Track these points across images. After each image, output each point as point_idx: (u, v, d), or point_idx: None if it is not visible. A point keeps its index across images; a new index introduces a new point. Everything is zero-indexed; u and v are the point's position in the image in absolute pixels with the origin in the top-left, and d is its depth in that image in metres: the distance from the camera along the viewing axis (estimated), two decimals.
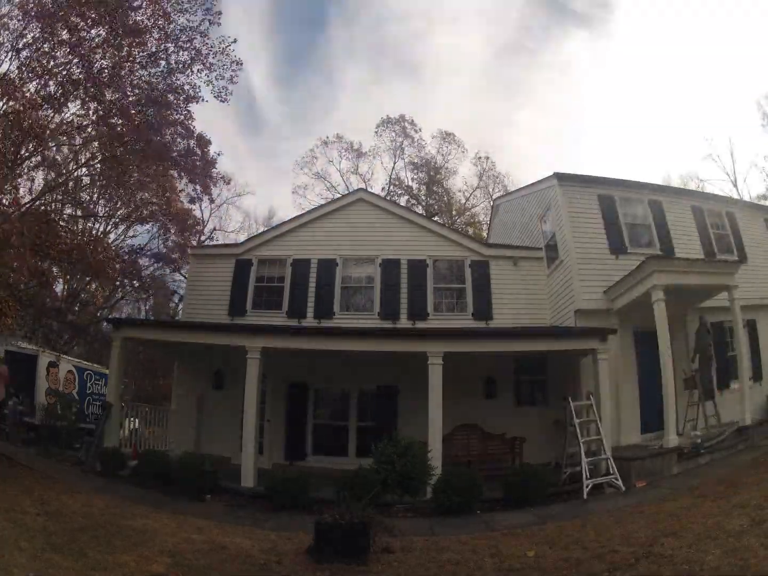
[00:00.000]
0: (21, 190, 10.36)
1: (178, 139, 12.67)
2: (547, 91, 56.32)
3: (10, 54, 10.24)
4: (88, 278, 18.60)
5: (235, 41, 11.63)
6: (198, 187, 16.37)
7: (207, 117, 47.10)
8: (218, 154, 15.31)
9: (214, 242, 25.01)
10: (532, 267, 12.35)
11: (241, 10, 50.65)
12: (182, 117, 11.91)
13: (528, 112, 55.18)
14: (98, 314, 21.85)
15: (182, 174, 14.97)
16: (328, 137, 31.70)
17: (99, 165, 12.38)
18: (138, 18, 10.52)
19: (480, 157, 31.77)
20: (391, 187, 30.00)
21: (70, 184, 12.71)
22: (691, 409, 9.63)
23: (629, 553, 4.34)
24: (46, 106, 9.68)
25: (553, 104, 56.73)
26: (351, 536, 4.82)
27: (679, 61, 53.74)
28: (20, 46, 10.00)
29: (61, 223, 11.99)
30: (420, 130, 31.15)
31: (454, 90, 52.31)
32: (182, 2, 11.00)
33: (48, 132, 9.73)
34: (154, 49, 11.00)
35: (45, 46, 9.46)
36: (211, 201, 19.96)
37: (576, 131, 56.41)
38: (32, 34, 9.84)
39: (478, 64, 55.60)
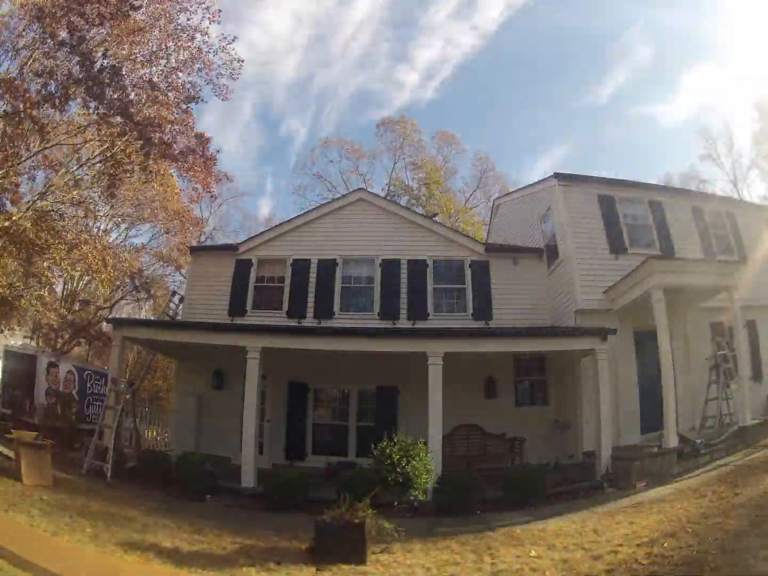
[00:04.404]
0: (21, 189, 10.37)
1: (179, 137, 12.67)
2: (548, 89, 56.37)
3: (10, 53, 10.27)
4: (88, 278, 18.61)
5: (234, 39, 11.65)
6: (198, 185, 16.36)
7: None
8: (218, 152, 15.25)
9: (214, 242, 25.01)
10: (532, 267, 12.36)
11: None
12: (183, 115, 11.94)
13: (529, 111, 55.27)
14: (98, 314, 21.84)
15: (183, 173, 14.97)
16: (328, 137, 31.77)
17: (100, 164, 12.39)
18: (139, 17, 10.53)
19: (480, 157, 31.93)
20: (391, 188, 30.04)
21: (71, 183, 12.71)
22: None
23: (629, 553, 4.34)
24: (46, 105, 9.68)
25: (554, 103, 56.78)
26: (351, 536, 4.81)
27: (679, 59, 53.74)
28: (20, 46, 10.02)
29: (62, 222, 11.99)
30: (420, 131, 31.26)
31: None
32: (182, 1, 11.03)
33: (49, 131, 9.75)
34: (154, 48, 11.02)
35: (45, 46, 9.47)
36: (214, 198, 19.92)
37: (576, 130, 56.39)
38: (32, 34, 9.86)
39: None
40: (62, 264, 11.50)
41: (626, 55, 54.12)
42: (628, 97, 55.32)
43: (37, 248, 10.79)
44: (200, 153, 13.54)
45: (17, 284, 11.91)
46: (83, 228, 14.44)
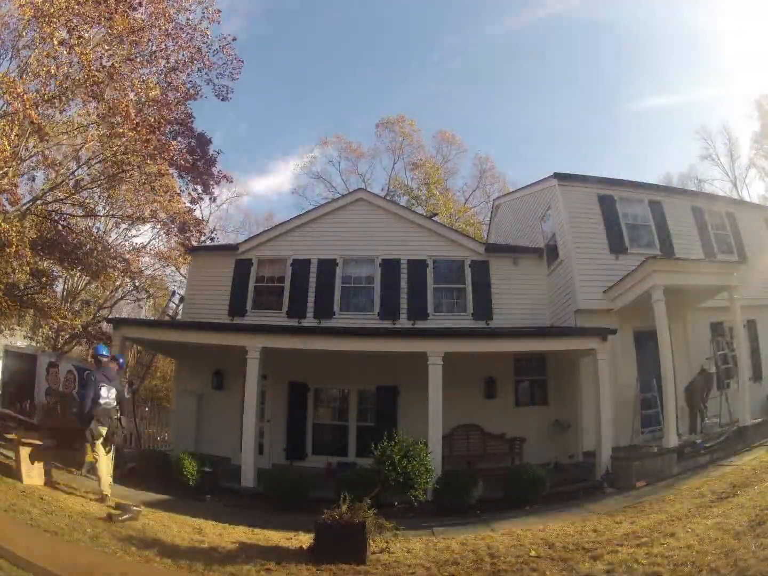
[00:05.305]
0: (21, 190, 10.36)
1: (179, 138, 12.67)
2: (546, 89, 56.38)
3: (10, 53, 10.26)
4: (88, 278, 18.58)
5: (234, 39, 11.67)
6: (199, 186, 16.33)
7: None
8: (219, 153, 15.21)
9: (215, 242, 24.94)
10: (532, 267, 12.37)
11: None
12: (183, 116, 11.95)
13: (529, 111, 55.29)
14: (98, 314, 21.82)
15: (183, 174, 14.95)
16: (327, 138, 31.79)
17: (99, 165, 12.38)
18: (138, 16, 10.52)
19: (480, 157, 31.96)
20: (391, 188, 30.06)
21: (71, 183, 12.71)
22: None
23: (629, 553, 4.33)
24: (46, 105, 9.67)
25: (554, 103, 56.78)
26: (351, 536, 4.81)
27: (678, 59, 53.73)
28: (20, 46, 10.01)
29: (62, 222, 12.00)
30: (419, 130, 31.29)
31: None
32: (181, 0, 11.03)
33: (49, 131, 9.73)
34: (154, 48, 11.01)
35: (45, 46, 9.46)
36: (213, 200, 19.93)
37: (576, 130, 56.38)
38: (32, 34, 9.85)
39: None
40: (63, 264, 11.50)
41: (626, 54, 54.17)
42: (628, 96, 55.34)
43: (38, 248, 10.80)
44: (200, 154, 13.53)
45: (18, 284, 11.90)
46: (83, 229, 14.46)
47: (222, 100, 11.94)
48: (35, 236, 10.53)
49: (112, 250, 14.08)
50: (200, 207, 24.96)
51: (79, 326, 14.60)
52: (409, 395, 10.62)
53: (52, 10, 8.62)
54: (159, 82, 11.19)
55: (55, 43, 8.93)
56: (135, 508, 6.00)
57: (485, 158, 32.01)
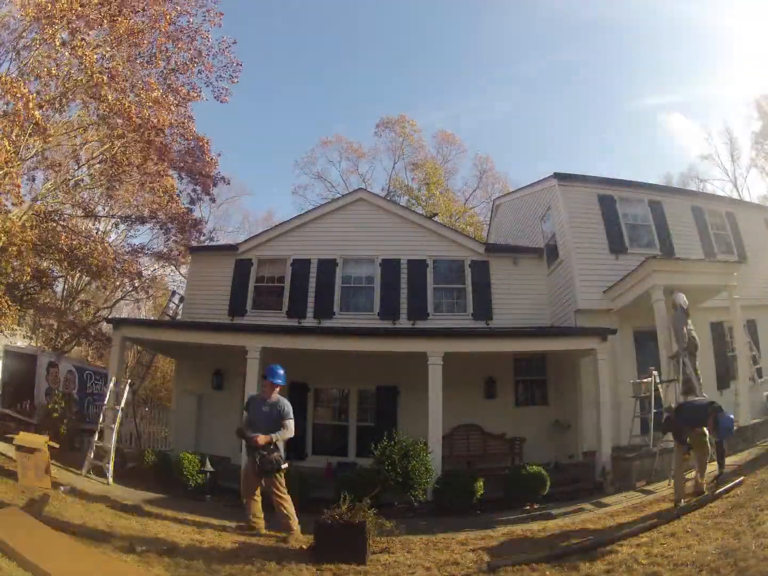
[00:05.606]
0: (22, 190, 10.37)
1: (179, 139, 12.71)
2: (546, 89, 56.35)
3: (10, 54, 10.27)
4: (88, 278, 18.59)
5: (234, 42, 11.73)
6: (198, 187, 16.36)
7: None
8: (218, 155, 15.24)
9: (214, 242, 24.94)
10: (532, 267, 12.37)
11: None
12: (183, 118, 11.99)
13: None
14: (98, 314, 21.83)
15: (182, 175, 15.01)
16: (327, 138, 31.81)
17: (99, 165, 12.41)
18: (139, 19, 10.54)
19: (480, 157, 31.98)
20: (391, 188, 30.06)
21: (71, 183, 12.73)
22: None
23: (629, 553, 4.33)
24: (47, 105, 9.68)
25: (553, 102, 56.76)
26: (351, 536, 4.81)
27: (679, 58, 53.71)
28: (20, 46, 10.03)
29: (62, 223, 12.01)
30: (420, 130, 31.31)
31: None
32: (182, 3, 11.07)
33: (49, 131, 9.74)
34: (154, 50, 11.04)
35: (44, 48, 9.47)
36: (213, 201, 19.94)
37: (577, 130, 56.37)
38: (32, 35, 9.86)
39: None
40: (62, 264, 11.51)
41: (626, 53, 54.16)
42: (628, 96, 55.35)
43: (38, 249, 10.81)
44: (199, 156, 13.55)
45: (19, 284, 11.91)
46: (83, 229, 14.46)
47: (221, 102, 12.02)
48: (36, 236, 10.55)
49: (111, 250, 14.10)
50: (200, 208, 25.00)
51: (81, 325, 14.64)
52: (409, 395, 10.62)
53: (55, 11, 8.64)
54: (160, 85, 11.24)
55: (57, 44, 8.95)
56: None
57: (485, 158, 32.10)
